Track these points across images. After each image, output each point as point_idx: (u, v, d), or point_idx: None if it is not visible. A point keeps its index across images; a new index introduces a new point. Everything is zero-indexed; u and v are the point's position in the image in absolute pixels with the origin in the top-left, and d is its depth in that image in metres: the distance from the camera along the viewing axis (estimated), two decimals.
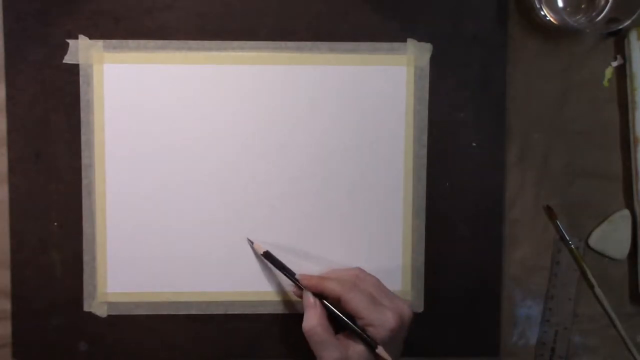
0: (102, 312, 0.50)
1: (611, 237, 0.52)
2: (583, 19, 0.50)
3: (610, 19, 0.49)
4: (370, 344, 0.42)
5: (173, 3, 0.49)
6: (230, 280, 0.50)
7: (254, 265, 0.50)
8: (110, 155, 0.49)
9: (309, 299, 0.45)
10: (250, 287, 0.50)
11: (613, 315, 0.52)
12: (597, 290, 0.52)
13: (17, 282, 0.49)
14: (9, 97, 0.48)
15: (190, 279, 0.50)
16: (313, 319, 0.43)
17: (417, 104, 0.50)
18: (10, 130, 0.49)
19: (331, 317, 0.44)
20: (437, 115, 0.50)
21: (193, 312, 0.50)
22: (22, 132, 0.49)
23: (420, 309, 0.51)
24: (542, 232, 0.52)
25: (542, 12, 0.49)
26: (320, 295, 0.45)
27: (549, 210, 0.52)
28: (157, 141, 0.49)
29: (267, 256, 0.48)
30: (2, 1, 0.48)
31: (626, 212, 0.52)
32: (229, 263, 0.50)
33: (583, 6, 0.50)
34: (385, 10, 0.49)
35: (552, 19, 0.49)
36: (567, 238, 0.52)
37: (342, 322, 0.44)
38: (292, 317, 0.51)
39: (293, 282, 0.47)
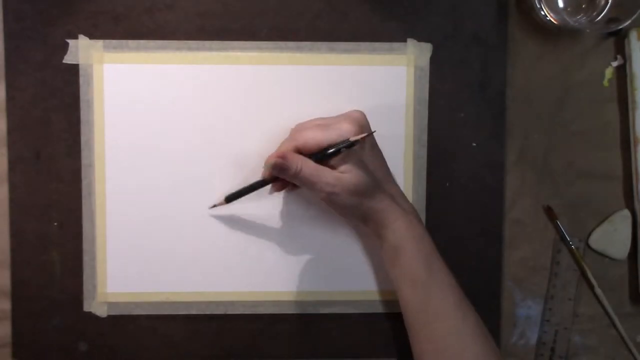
0: (102, 312, 0.50)
1: (611, 237, 0.52)
2: (583, 19, 0.50)
3: (610, 19, 0.49)
4: (346, 145, 0.42)
5: (173, 3, 0.49)
6: (230, 280, 0.50)
7: (254, 265, 0.50)
8: (110, 155, 0.49)
9: (285, 154, 0.43)
10: (250, 287, 0.50)
11: (613, 315, 0.52)
12: (597, 290, 0.52)
13: (17, 282, 0.49)
14: (9, 97, 0.48)
15: (190, 279, 0.50)
16: (298, 162, 0.43)
17: (417, 104, 0.50)
18: (10, 130, 0.49)
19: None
20: (437, 115, 0.50)
21: (193, 312, 0.50)
22: (22, 132, 0.49)
23: None
24: (542, 232, 0.52)
25: (542, 12, 0.49)
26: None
27: (549, 210, 0.52)
28: (156, 141, 0.49)
29: (231, 198, 0.47)
30: (2, 1, 0.48)
31: (626, 212, 0.52)
32: (229, 263, 0.50)
33: (583, 6, 0.50)
34: (385, 10, 0.49)
35: (552, 19, 0.49)
36: (567, 238, 0.52)
37: (317, 158, 0.43)
38: (292, 317, 0.51)
39: (262, 183, 0.46)
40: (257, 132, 0.49)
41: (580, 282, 0.52)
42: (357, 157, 0.44)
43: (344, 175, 0.43)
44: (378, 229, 0.45)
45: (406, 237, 0.44)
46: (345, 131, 0.43)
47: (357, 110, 0.45)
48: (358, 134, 0.43)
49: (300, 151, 0.44)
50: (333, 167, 0.44)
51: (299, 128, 0.46)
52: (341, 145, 0.43)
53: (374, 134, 0.45)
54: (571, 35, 0.51)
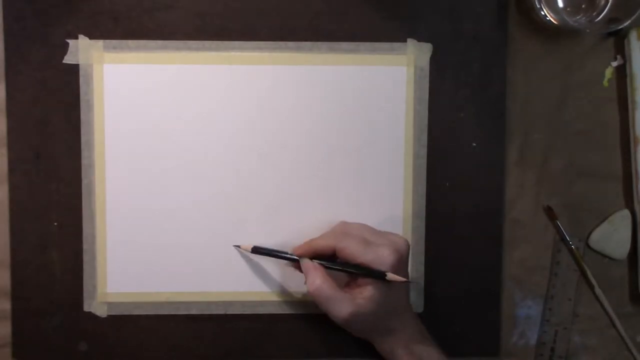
0: (102, 312, 0.50)
1: (611, 237, 0.52)
2: (583, 19, 0.50)
3: (610, 19, 0.49)
4: (379, 276, 0.42)
5: (173, 3, 0.48)
6: (230, 280, 0.50)
7: (254, 265, 0.50)
8: (110, 155, 0.49)
9: (307, 263, 0.45)
10: (250, 287, 0.50)
11: (613, 315, 0.52)
12: (597, 290, 0.52)
13: (17, 282, 0.49)
14: (9, 97, 0.48)
15: (190, 279, 0.50)
16: (317, 279, 0.43)
17: (417, 104, 0.50)
18: (10, 130, 0.49)
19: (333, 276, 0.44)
20: (437, 115, 0.50)
21: (193, 312, 0.50)
22: (22, 132, 0.49)
23: (420, 309, 0.51)
24: (542, 232, 0.52)
25: (542, 12, 0.49)
26: (317, 259, 0.45)
27: (549, 211, 0.52)
28: (157, 141, 0.49)
29: (257, 250, 0.48)
30: (2, 1, 0.48)
31: (626, 212, 0.52)
32: (229, 263, 0.50)
33: (583, 6, 0.50)
34: (385, 10, 0.49)
35: (552, 19, 0.49)
36: (567, 238, 0.52)
37: (346, 272, 0.44)
38: (292, 317, 0.51)
39: (288, 259, 0.47)
40: (257, 132, 0.49)
41: (580, 282, 0.52)
42: (385, 286, 0.43)
43: (361, 306, 0.43)
44: (387, 355, 0.46)
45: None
46: (384, 259, 0.43)
47: (402, 238, 0.45)
48: (395, 267, 0.43)
49: (334, 252, 0.44)
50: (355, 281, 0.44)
51: (343, 229, 0.46)
52: (373, 275, 0.43)
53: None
54: (571, 35, 0.51)
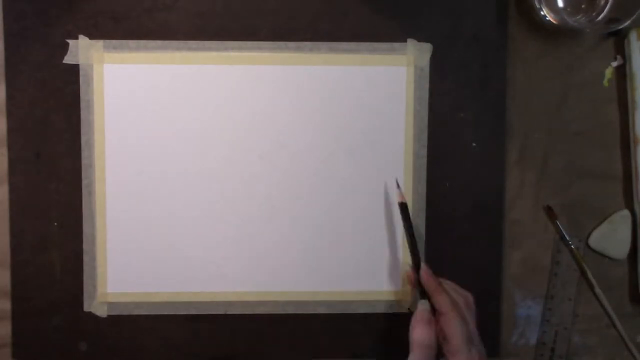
0: (102, 312, 0.50)
1: (611, 237, 0.52)
2: (583, 19, 0.50)
3: (610, 19, 0.49)
4: None
5: (173, 3, 0.49)
6: (230, 280, 0.50)
7: (254, 265, 0.50)
8: (110, 155, 0.49)
9: (427, 313, 0.44)
10: (250, 287, 0.50)
11: (613, 315, 0.52)
12: (597, 290, 0.52)
13: (17, 282, 0.49)
14: (9, 97, 0.48)
15: (190, 279, 0.50)
16: (430, 337, 0.42)
17: (417, 104, 0.50)
18: (10, 130, 0.49)
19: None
20: (437, 115, 0.50)
21: (193, 312, 0.50)
22: (22, 132, 0.49)
23: None
24: (542, 232, 0.52)
25: (542, 12, 0.49)
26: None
27: (549, 210, 0.52)
28: (157, 141, 0.49)
29: (404, 209, 0.47)
30: (2, 1, 0.48)
31: (626, 212, 0.52)
32: (229, 263, 0.50)
33: (583, 6, 0.50)
34: (385, 10, 0.49)
35: (552, 19, 0.49)
36: (567, 238, 0.52)
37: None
38: (292, 317, 0.51)
39: (413, 263, 0.46)
40: (257, 132, 0.49)
41: (580, 282, 0.52)
42: None
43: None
44: None
45: None
46: None
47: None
48: None
49: (437, 304, 0.43)
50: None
51: (462, 310, 0.43)
52: None
53: None
54: (571, 35, 0.51)
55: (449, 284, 0.46)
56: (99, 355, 0.50)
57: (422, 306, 0.45)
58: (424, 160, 0.50)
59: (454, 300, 0.44)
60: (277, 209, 0.50)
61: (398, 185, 0.49)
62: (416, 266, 0.46)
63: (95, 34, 0.48)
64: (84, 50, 0.48)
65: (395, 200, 0.50)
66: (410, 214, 0.49)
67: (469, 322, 0.43)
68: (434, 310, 0.44)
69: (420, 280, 0.45)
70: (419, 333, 0.43)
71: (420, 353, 0.42)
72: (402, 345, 0.51)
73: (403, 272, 0.49)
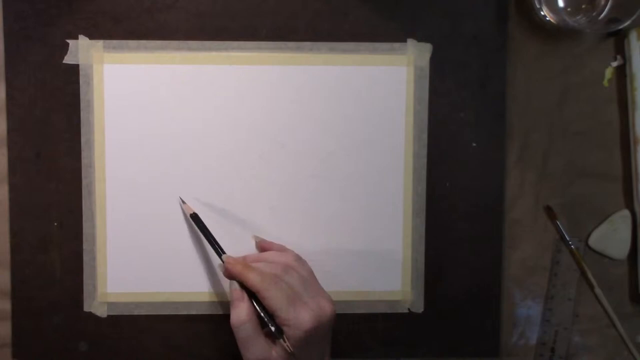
0: (102, 312, 0.50)
1: (611, 237, 0.52)
2: (583, 19, 0.50)
3: (610, 19, 0.49)
4: (275, 335, 0.41)
5: (173, 3, 0.49)
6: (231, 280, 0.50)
7: None
8: (110, 155, 0.49)
9: (237, 291, 0.43)
10: None
11: (613, 315, 0.52)
12: (597, 290, 0.52)
13: (17, 282, 0.49)
14: (9, 97, 0.48)
15: (190, 279, 0.50)
16: (243, 314, 0.42)
17: (417, 104, 0.50)
18: (10, 130, 0.49)
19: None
20: (437, 115, 0.50)
21: (193, 312, 0.50)
22: (22, 132, 0.49)
23: (420, 309, 0.51)
24: (542, 232, 0.52)
25: (542, 12, 0.49)
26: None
27: (549, 211, 0.52)
28: (157, 141, 0.49)
29: (196, 219, 0.47)
30: (2, 1, 0.48)
31: (626, 212, 0.52)
32: None
33: (583, 6, 0.50)
34: (385, 10, 0.49)
35: (552, 19, 0.49)
36: (567, 238, 0.52)
37: (261, 316, 0.43)
38: None
39: (220, 259, 0.45)
40: (257, 132, 0.49)
41: (580, 282, 0.52)
42: (304, 343, 0.42)
43: (273, 358, 0.41)
44: None
45: None
46: (302, 323, 0.41)
47: (331, 304, 0.43)
48: (310, 332, 0.41)
49: (249, 285, 0.43)
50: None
51: (274, 279, 0.43)
52: (277, 336, 0.41)
53: None
54: (571, 35, 0.51)
55: (265, 255, 0.46)
56: (99, 355, 0.50)
57: (232, 286, 0.44)
58: (424, 160, 0.50)
59: (266, 273, 0.43)
60: (276, 209, 0.50)
61: (182, 202, 0.48)
62: (220, 259, 0.45)
63: (95, 34, 0.48)
64: (84, 50, 0.48)
65: (394, 201, 0.50)
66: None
67: (286, 286, 0.42)
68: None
69: (226, 268, 0.44)
70: (233, 315, 0.42)
71: (235, 331, 0.42)
72: (403, 345, 0.51)
73: (221, 271, 0.46)
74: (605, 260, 0.52)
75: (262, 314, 0.43)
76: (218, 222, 0.50)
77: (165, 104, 0.49)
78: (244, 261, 0.45)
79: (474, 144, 0.51)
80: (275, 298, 0.41)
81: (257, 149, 0.49)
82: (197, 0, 0.49)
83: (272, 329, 0.42)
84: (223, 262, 0.45)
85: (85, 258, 0.49)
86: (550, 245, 0.52)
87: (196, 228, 0.48)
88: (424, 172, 0.50)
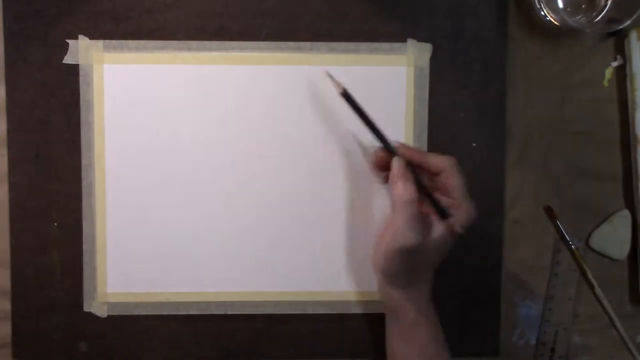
0: (102, 312, 0.50)
1: (611, 237, 0.52)
2: (583, 19, 0.50)
3: (610, 19, 0.49)
4: (444, 212, 0.43)
5: (173, 3, 0.49)
6: (230, 280, 0.50)
7: (254, 265, 0.50)
8: (110, 155, 0.49)
9: (403, 167, 0.43)
10: (250, 287, 0.50)
11: (613, 315, 0.52)
12: (597, 290, 0.52)
13: (17, 282, 0.49)
14: (9, 97, 0.48)
15: (190, 279, 0.50)
16: (408, 191, 0.42)
17: (417, 104, 0.50)
18: (10, 130, 0.49)
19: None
20: (437, 115, 0.50)
21: (193, 312, 0.50)
22: (22, 132, 0.49)
23: None
24: (542, 232, 0.52)
25: (542, 12, 0.49)
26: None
27: (549, 211, 0.52)
28: (157, 141, 0.49)
29: (347, 97, 0.45)
30: (2, 1, 0.48)
31: (626, 212, 0.52)
32: (229, 263, 0.50)
33: (583, 6, 0.50)
34: (385, 10, 0.49)
35: (552, 19, 0.49)
36: (567, 238, 0.52)
37: (427, 195, 0.44)
38: (292, 317, 0.51)
39: (382, 142, 0.44)
40: (257, 132, 0.49)
41: (580, 282, 0.52)
42: (449, 237, 0.44)
43: (425, 244, 0.42)
44: (401, 302, 0.45)
45: (426, 318, 0.45)
46: (471, 213, 0.43)
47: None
48: (471, 223, 0.43)
49: (435, 173, 0.44)
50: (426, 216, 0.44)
51: (457, 165, 0.44)
52: (442, 209, 0.43)
53: None
54: (571, 35, 0.51)
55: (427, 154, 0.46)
56: (99, 355, 0.50)
57: (398, 162, 0.44)
58: None
59: (445, 160, 0.44)
60: (277, 209, 0.50)
61: (330, 76, 0.45)
62: (386, 146, 0.45)
63: (95, 34, 0.48)
64: (84, 50, 0.48)
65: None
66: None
67: (462, 176, 0.44)
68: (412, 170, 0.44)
69: (399, 155, 0.44)
70: (400, 188, 0.42)
71: (403, 209, 0.42)
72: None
73: (372, 159, 0.47)
74: (605, 260, 0.52)
75: (433, 196, 0.43)
76: (218, 221, 0.49)
77: (165, 104, 0.49)
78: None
79: (474, 144, 0.51)
80: (459, 178, 0.43)
81: (257, 148, 0.49)
82: (197, 0, 0.49)
83: (445, 209, 0.43)
84: (387, 143, 0.44)
85: (85, 258, 0.49)
86: (550, 245, 0.52)
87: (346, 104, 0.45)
88: None
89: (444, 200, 0.44)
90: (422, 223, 0.43)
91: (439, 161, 0.44)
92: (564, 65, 0.51)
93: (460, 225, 0.43)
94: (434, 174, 0.44)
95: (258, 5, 0.49)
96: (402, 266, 0.43)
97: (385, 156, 0.45)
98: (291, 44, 0.49)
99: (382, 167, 0.46)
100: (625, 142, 0.51)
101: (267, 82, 0.49)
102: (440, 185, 0.44)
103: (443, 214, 0.43)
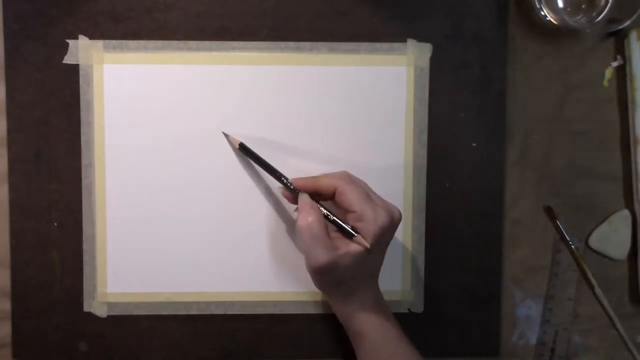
0: (102, 312, 0.50)
1: (611, 237, 0.52)
2: (583, 19, 0.50)
3: (610, 19, 0.49)
4: (352, 233, 0.43)
5: (173, 3, 0.49)
6: (230, 280, 0.50)
7: (254, 265, 0.50)
8: (110, 155, 0.49)
9: (306, 199, 0.44)
10: (250, 287, 0.50)
11: (613, 315, 0.52)
12: (597, 290, 0.52)
13: (17, 282, 0.49)
14: (9, 97, 0.48)
15: (190, 279, 0.50)
16: (310, 216, 0.43)
17: (417, 104, 0.50)
18: (10, 130, 0.49)
19: None
20: (437, 115, 0.50)
21: (193, 312, 0.50)
22: (22, 132, 0.49)
23: (420, 309, 0.51)
24: (542, 232, 0.52)
25: (542, 12, 0.49)
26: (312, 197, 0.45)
27: (549, 210, 0.52)
28: (157, 141, 0.49)
29: (244, 149, 0.47)
30: (2, 1, 0.48)
31: (626, 212, 0.52)
32: (229, 263, 0.50)
33: (583, 6, 0.50)
34: (385, 10, 0.49)
35: (552, 19, 0.49)
36: (567, 238, 0.52)
37: (331, 220, 0.44)
38: (292, 317, 0.51)
39: (283, 184, 0.46)
40: (256, 132, 0.49)
41: (580, 282, 0.52)
42: (361, 253, 0.43)
43: (340, 258, 0.42)
44: (344, 316, 0.45)
45: (369, 325, 0.45)
46: (379, 218, 0.42)
47: (397, 208, 0.44)
48: (385, 229, 0.42)
49: (333, 194, 0.44)
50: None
51: (348, 176, 0.45)
52: (351, 230, 0.43)
53: None
54: (571, 35, 0.51)
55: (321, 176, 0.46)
56: (99, 355, 0.50)
57: (300, 197, 0.45)
58: (424, 160, 0.50)
59: (337, 175, 0.45)
60: (277, 209, 0.50)
61: (226, 135, 0.48)
62: (282, 182, 0.46)
63: (95, 34, 0.48)
64: (84, 50, 0.48)
65: (394, 201, 0.50)
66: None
67: (360, 184, 0.44)
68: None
69: (294, 187, 0.45)
70: (299, 218, 0.43)
71: (304, 233, 0.42)
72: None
73: (281, 193, 0.48)
74: (605, 260, 0.52)
75: (334, 219, 0.44)
76: (218, 221, 0.49)
77: (165, 104, 0.49)
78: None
79: (474, 144, 0.51)
80: (353, 193, 0.43)
81: (257, 148, 0.49)
82: (197, 0, 0.49)
83: (349, 229, 0.43)
84: (286, 181, 0.45)
85: (85, 258, 0.49)
86: (550, 245, 0.52)
87: (249, 159, 0.48)
88: (424, 172, 0.50)
89: (352, 216, 0.43)
90: (337, 241, 0.43)
91: (328, 181, 0.44)
92: (564, 65, 0.51)
93: (372, 237, 0.42)
94: (332, 196, 0.44)
95: (258, 5, 0.49)
96: (329, 281, 0.44)
97: (291, 195, 0.46)
98: (291, 44, 0.49)
99: (296, 202, 0.46)
100: (625, 142, 0.51)
101: (267, 82, 0.49)
102: (340, 203, 0.44)
103: (350, 235, 0.43)
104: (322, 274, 0.43)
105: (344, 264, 0.42)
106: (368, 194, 0.44)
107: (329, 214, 0.44)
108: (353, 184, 0.44)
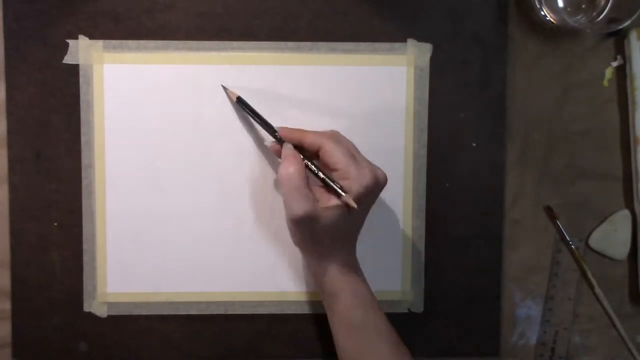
0: (102, 312, 0.50)
1: (611, 237, 0.52)
2: (583, 19, 0.50)
3: (610, 19, 0.49)
4: (337, 193, 0.42)
5: (173, 3, 0.49)
6: (230, 280, 0.50)
7: (254, 265, 0.50)
8: (110, 155, 0.49)
9: (290, 149, 0.44)
10: (250, 287, 0.50)
11: (613, 315, 0.52)
12: (597, 290, 0.52)
13: (17, 282, 0.49)
14: (9, 97, 0.48)
15: (190, 279, 0.50)
16: (291, 166, 0.42)
17: (417, 104, 0.50)
18: (10, 130, 0.49)
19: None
20: (437, 115, 0.50)
21: (193, 312, 0.50)
22: (22, 132, 0.49)
23: (420, 309, 0.51)
24: (542, 232, 0.52)
25: (542, 12, 0.49)
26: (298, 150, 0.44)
27: (549, 211, 0.52)
28: (156, 141, 0.49)
29: (241, 102, 0.47)
30: (2, 1, 0.48)
31: (626, 212, 0.52)
32: (229, 263, 0.50)
33: (583, 6, 0.50)
34: (385, 10, 0.49)
35: (552, 19, 0.49)
36: (567, 238, 0.52)
37: (317, 175, 0.43)
38: (292, 317, 0.51)
39: (272, 135, 0.46)
40: (256, 132, 0.49)
41: (580, 282, 0.52)
42: (342, 209, 0.42)
43: (320, 212, 0.41)
44: (318, 276, 0.45)
45: (343, 286, 0.44)
46: (363, 178, 0.42)
47: (384, 175, 0.44)
48: (369, 189, 0.42)
49: (317, 152, 0.43)
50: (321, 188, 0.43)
51: (335, 135, 0.45)
52: (337, 188, 0.42)
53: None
54: (571, 35, 0.51)
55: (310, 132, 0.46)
56: (99, 355, 0.50)
57: (285, 146, 0.44)
58: (424, 160, 0.50)
59: (323, 132, 0.44)
60: (277, 209, 0.50)
61: (224, 88, 0.48)
62: (275, 136, 0.45)
63: (95, 34, 0.48)
64: (84, 50, 0.48)
65: (394, 201, 0.50)
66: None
67: (346, 145, 0.44)
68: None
69: (282, 135, 0.45)
70: (281, 166, 0.42)
71: (285, 183, 0.42)
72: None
73: (270, 148, 0.47)
74: (605, 260, 0.52)
75: (320, 174, 0.43)
76: (218, 221, 0.49)
77: (165, 104, 0.49)
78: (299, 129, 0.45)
79: (474, 144, 0.51)
80: (338, 152, 0.42)
81: (257, 148, 0.49)
82: (197, 0, 0.49)
83: (335, 186, 0.42)
84: (278, 135, 0.45)
85: (85, 258, 0.49)
86: (550, 245, 0.52)
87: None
88: (424, 172, 0.50)
89: (336, 174, 0.43)
90: (318, 194, 0.43)
91: (314, 138, 0.43)
92: (564, 66, 0.51)
93: (355, 196, 0.41)
94: (316, 153, 0.44)
95: (258, 5, 0.49)
96: (304, 234, 0.43)
97: (280, 149, 0.45)
98: (291, 44, 0.49)
99: (276, 148, 0.46)
100: (625, 142, 0.51)
101: (267, 82, 0.49)
102: (325, 161, 0.43)
103: (337, 193, 0.42)
104: (300, 226, 0.42)
105: (323, 218, 0.41)
106: (353, 154, 0.43)
107: (317, 170, 0.43)
108: (338, 143, 0.43)
